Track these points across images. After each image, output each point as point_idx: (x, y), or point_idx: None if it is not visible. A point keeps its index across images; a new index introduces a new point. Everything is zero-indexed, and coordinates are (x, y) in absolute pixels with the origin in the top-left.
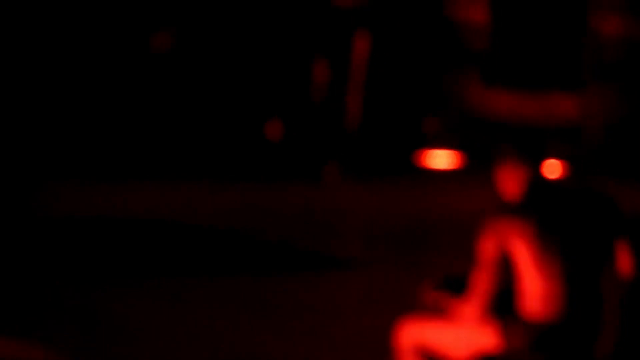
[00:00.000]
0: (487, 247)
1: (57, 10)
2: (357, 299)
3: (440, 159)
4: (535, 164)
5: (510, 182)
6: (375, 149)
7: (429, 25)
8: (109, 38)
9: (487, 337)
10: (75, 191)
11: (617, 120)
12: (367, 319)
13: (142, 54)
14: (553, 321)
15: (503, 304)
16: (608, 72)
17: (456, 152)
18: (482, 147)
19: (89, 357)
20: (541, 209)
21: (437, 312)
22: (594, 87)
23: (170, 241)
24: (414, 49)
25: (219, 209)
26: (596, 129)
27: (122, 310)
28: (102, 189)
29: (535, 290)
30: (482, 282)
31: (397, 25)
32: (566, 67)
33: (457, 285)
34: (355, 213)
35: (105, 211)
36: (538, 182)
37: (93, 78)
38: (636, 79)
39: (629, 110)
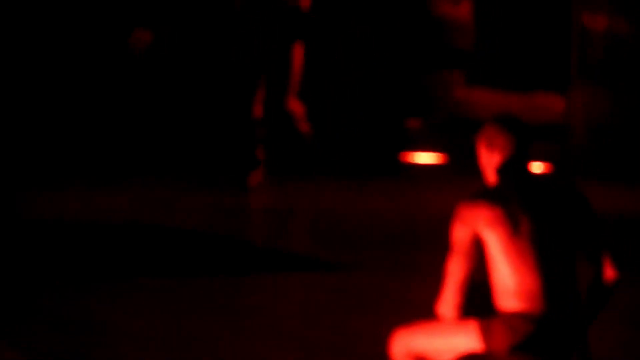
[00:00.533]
0: (459, 233)
1: (32, 11)
2: (344, 301)
3: (425, 160)
4: (516, 146)
5: (486, 160)
6: (358, 150)
7: (413, 23)
8: (86, 37)
9: (469, 338)
10: (51, 194)
11: (604, 120)
12: (352, 321)
13: (120, 53)
14: (532, 313)
15: (481, 300)
16: (595, 71)
17: (440, 152)
18: (466, 147)
19: None
20: (514, 195)
21: None
22: (581, 86)
23: (140, 244)
24: (397, 47)
25: (196, 211)
26: (582, 128)
27: (98, 314)
28: (76, 191)
29: (509, 281)
30: (456, 271)
31: (380, 25)
32: (552, 66)
33: None
34: (336, 213)
35: (76, 214)
36: (516, 166)
37: (71, 78)
38: (623, 78)
39: (616, 110)
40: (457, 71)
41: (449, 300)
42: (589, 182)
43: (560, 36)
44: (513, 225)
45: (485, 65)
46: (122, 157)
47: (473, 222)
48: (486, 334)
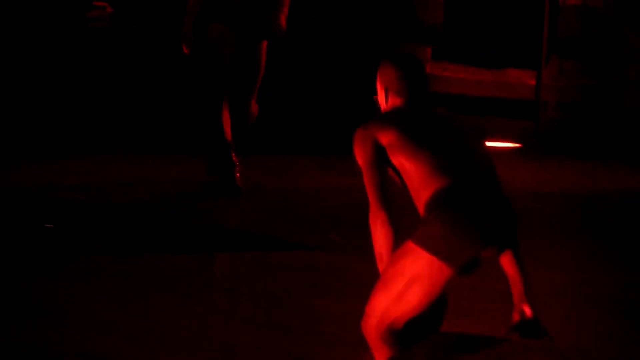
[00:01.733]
0: (360, 153)
1: None
2: (309, 282)
3: None
4: (412, 88)
5: (382, 98)
6: (327, 128)
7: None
8: (44, 14)
9: (418, 261)
10: (9, 170)
11: (576, 96)
12: (315, 302)
13: (79, 29)
14: (443, 185)
15: None
16: (567, 46)
17: None
18: None
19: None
20: (404, 115)
21: None
22: (553, 62)
23: (105, 224)
24: (364, 22)
25: (163, 190)
26: (554, 104)
27: (65, 298)
28: (32, 168)
29: (415, 175)
30: (370, 182)
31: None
32: (524, 41)
33: None
34: (304, 192)
35: (29, 191)
36: (412, 104)
37: (29, 55)
38: (596, 54)
39: (588, 86)
40: (426, 46)
41: (375, 208)
42: (560, 159)
43: (532, 11)
44: (404, 130)
45: (455, 40)
46: (89, 133)
47: (368, 137)
48: (426, 243)
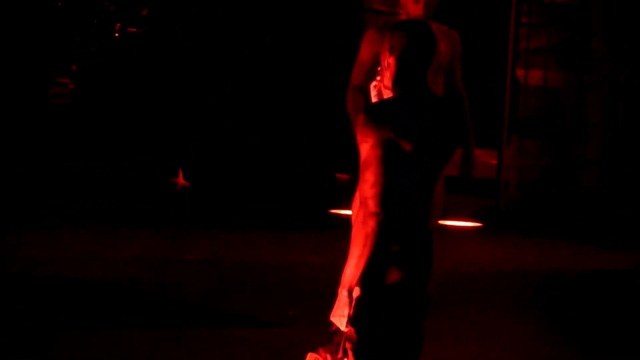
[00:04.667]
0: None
1: None
2: (268, 357)
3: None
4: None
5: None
6: (286, 203)
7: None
8: (8, 88)
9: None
10: None
11: (536, 176)
12: None
13: (42, 104)
14: None
15: None
16: (528, 126)
17: None
18: None
19: None
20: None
21: None
22: (513, 141)
23: (66, 296)
24: (325, 104)
25: (121, 262)
26: (514, 184)
27: None
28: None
29: None
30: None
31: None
32: (485, 121)
33: None
34: (261, 266)
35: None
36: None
37: None
38: (556, 133)
39: (549, 165)
40: None
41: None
42: (520, 238)
43: (493, 91)
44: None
45: None
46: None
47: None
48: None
